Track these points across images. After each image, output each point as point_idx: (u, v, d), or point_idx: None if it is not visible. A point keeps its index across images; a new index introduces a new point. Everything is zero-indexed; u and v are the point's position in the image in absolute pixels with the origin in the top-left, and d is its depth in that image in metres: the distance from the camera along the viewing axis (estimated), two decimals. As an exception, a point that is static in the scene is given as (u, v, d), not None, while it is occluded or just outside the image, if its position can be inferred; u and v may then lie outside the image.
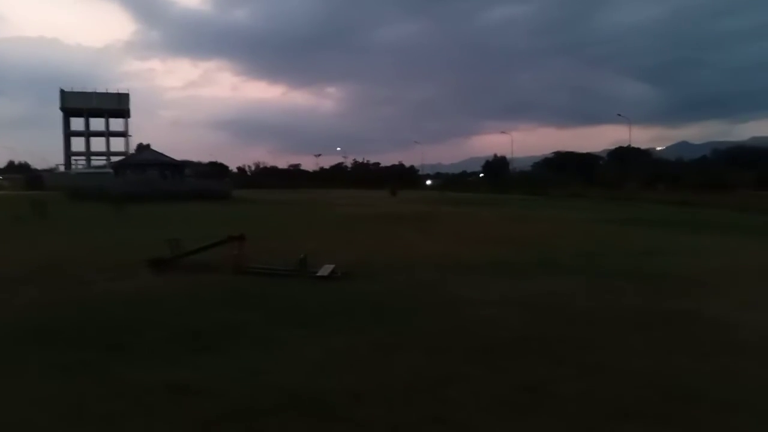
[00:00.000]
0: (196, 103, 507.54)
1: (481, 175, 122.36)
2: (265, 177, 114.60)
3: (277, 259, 11.44)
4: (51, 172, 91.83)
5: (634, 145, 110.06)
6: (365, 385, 4.88)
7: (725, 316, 7.56)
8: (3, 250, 14.15)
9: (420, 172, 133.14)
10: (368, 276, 10.36)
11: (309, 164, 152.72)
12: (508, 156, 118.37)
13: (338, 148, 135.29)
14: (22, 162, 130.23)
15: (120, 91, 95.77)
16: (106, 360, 5.55)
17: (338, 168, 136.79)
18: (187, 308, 7.87)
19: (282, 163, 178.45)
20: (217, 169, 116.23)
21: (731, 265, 12.28)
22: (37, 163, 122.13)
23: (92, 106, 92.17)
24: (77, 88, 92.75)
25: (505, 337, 6.47)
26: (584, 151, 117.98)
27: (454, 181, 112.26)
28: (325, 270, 10.23)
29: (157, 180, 50.78)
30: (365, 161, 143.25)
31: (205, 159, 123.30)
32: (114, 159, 78.53)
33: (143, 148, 65.44)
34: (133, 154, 70.45)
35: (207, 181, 60.78)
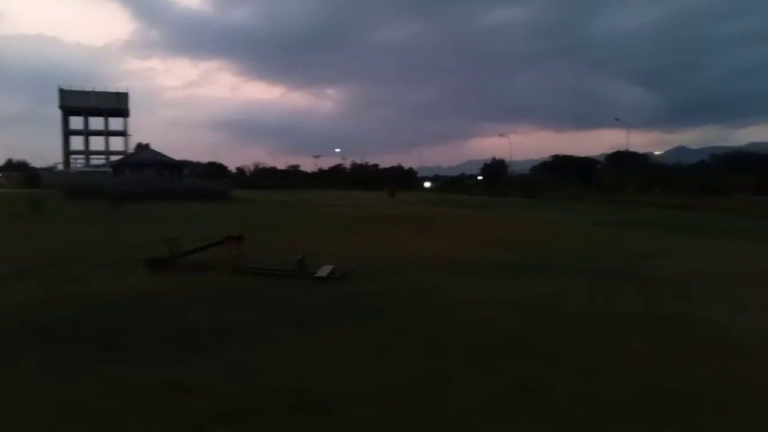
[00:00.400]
0: (195, 103, 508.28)
1: (480, 177, 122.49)
2: (264, 177, 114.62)
3: (275, 259, 11.43)
4: (49, 170, 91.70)
5: (632, 149, 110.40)
6: (362, 386, 4.88)
7: (722, 319, 7.58)
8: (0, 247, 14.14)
9: (419, 174, 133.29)
10: (366, 277, 10.36)
11: (308, 165, 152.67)
12: (507, 159, 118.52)
13: (337, 150, 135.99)
14: (21, 160, 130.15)
15: (119, 90, 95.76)
16: (103, 359, 5.54)
17: (337, 169, 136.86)
18: (185, 308, 7.86)
19: (281, 163, 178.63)
20: (215, 169, 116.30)
21: (728, 268, 12.30)
22: (36, 162, 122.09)
23: (91, 104, 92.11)
24: (76, 87, 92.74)
25: (502, 338, 6.48)
26: (582, 154, 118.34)
27: (452, 183, 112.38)
28: (324, 271, 10.23)
29: (155, 179, 50.76)
30: (364, 162, 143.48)
31: (204, 159, 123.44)
32: (113, 158, 78.46)
33: (142, 148, 65.41)
34: (132, 153, 70.42)
35: (206, 181, 60.83)
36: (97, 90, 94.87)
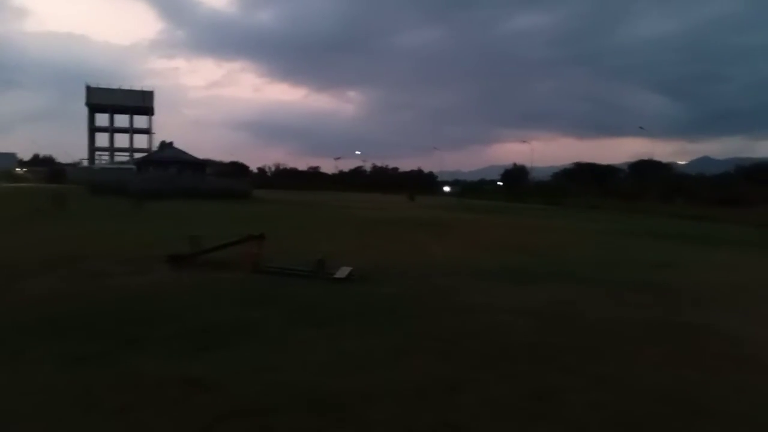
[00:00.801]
0: (218, 102, 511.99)
1: (500, 183, 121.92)
2: (284, 178, 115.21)
3: (294, 259, 11.54)
4: (74, 166, 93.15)
5: (656, 158, 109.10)
6: (377, 387, 4.91)
7: (738, 330, 7.52)
8: (23, 241, 14.44)
9: (438, 179, 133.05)
10: (384, 279, 10.42)
11: (328, 167, 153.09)
12: (528, 165, 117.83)
13: (357, 152, 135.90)
14: (47, 155, 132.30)
15: (145, 89, 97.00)
16: (121, 353, 5.65)
17: (357, 171, 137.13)
18: (204, 305, 7.97)
19: (302, 165, 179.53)
20: (237, 168, 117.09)
21: (746, 280, 12.17)
22: (61, 157, 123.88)
23: (117, 102, 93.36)
24: (103, 85, 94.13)
25: (517, 344, 6.48)
26: (604, 162, 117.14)
27: (472, 189, 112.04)
28: (342, 272, 10.32)
29: (178, 177, 51.29)
30: (384, 166, 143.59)
31: (226, 158, 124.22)
32: (137, 155, 79.44)
33: (166, 146, 66.04)
34: (155, 151, 71.20)
35: (227, 180, 61.25)
36: (123, 88, 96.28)
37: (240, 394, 4.67)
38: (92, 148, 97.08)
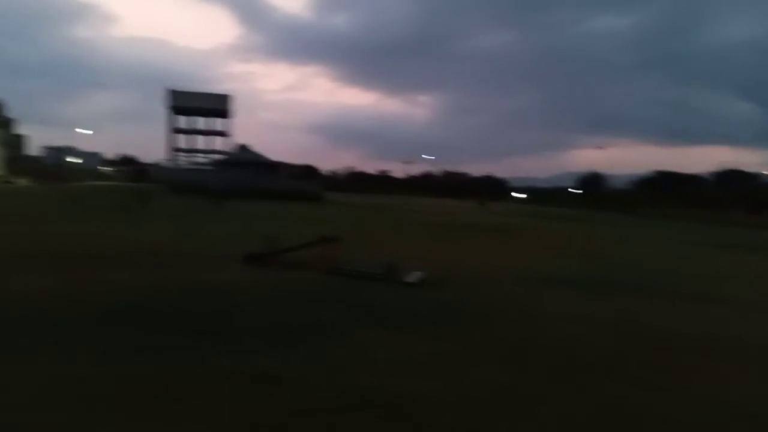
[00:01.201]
0: (292, 106, 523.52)
1: (575, 190, 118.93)
2: (354, 181, 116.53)
3: (365, 262, 11.62)
4: (156, 165, 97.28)
5: (742, 167, 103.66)
6: (447, 394, 4.88)
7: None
8: (108, 235, 15.17)
9: (510, 184, 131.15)
10: (454, 285, 10.35)
11: (398, 171, 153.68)
12: (604, 172, 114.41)
13: (427, 156, 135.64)
14: (130, 155, 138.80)
15: (223, 92, 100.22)
16: (197, 345, 5.84)
17: (427, 176, 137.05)
18: (278, 303, 8.14)
19: (371, 168, 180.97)
20: (309, 171, 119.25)
21: None
22: (144, 157, 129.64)
23: (196, 105, 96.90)
24: (183, 88, 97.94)
25: (589, 357, 6.30)
26: (687, 171, 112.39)
27: (545, 195, 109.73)
28: (413, 276, 10.31)
29: (253, 178, 52.69)
30: (454, 171, 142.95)
31: (298, 161, 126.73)
32: (214, 156, 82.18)
33: (242, 148, 68.04)
34: (232, 152, 73.43)
35: (300, 182, 62.48)
36: (202, 91, 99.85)
37: (309, 392, 4.74)
38: (172, 149, 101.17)
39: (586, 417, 4.56)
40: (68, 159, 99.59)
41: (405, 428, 4.17)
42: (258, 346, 5.96)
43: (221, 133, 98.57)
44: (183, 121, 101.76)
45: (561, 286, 11.00)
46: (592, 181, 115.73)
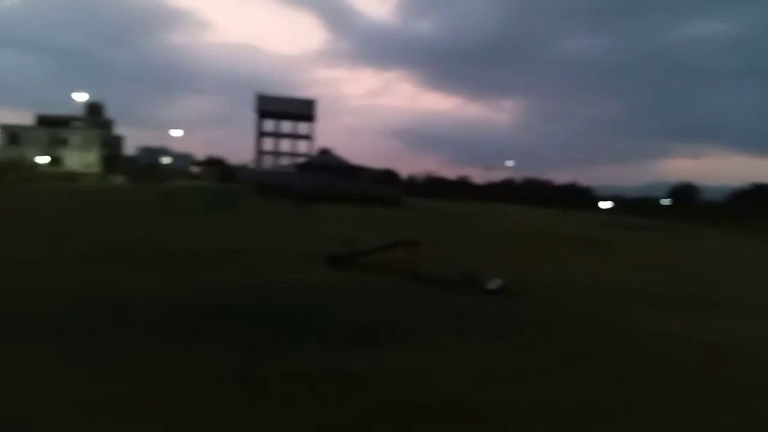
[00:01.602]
0: (375, 111, 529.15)
1: (665, 201, 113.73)
2: (434, 186, 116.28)
3: (445, 267, 11.54)
4: (242, 167, 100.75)
5: None
6: (524, 405, 4.79)
7: None
8: (198, 234, 15.78)
9: (595, 193, 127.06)
10: (535, 294, 10.13)
11: (478, 177, 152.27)
12: (698, 183, 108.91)
13: (509, 163, 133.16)
14: (219, 156, 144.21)
15: (308, 97, 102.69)
16: (281, 343, 6.01)
17: (507, 183, 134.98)
18: (358, 305, 8.25)
19: (451, 174, 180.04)
20: (389, 175, 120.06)
21: None
22: (231, 159, 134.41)
23: (282, 109, 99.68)
24: (270, 92, 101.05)
25: (674, 374, 6.06)
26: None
27: (633, 205, 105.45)
28: (494, 284, 10.15)
29: (335, 182, 53.59)
30: (537, 178, 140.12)
31: (379, 165, 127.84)
32: (298, 160, 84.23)
33: (324, 152, 69.65)
34: (315, 156, 75.10)
35: (380, 187, 62.98)
36: (288, 96, 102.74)
37: (391, 394, 4.77)
38: (258, 151, 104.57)
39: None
40: (161, 159, 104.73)
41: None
42: (339, 346, 6.06)
43: (305, 137, 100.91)
44: (269, 125, 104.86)
45: (648, 300, 10.58)
46: (683, 192, 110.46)
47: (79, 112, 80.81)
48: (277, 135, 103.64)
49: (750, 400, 5.40)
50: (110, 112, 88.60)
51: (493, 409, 4.62)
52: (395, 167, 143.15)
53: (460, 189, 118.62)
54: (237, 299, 7.97)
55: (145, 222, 18.49)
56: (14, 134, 73.13)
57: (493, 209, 60.14)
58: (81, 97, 77.66)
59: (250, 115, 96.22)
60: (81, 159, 70.66)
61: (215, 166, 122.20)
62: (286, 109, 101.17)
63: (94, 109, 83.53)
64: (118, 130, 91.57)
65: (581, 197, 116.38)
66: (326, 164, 61.67)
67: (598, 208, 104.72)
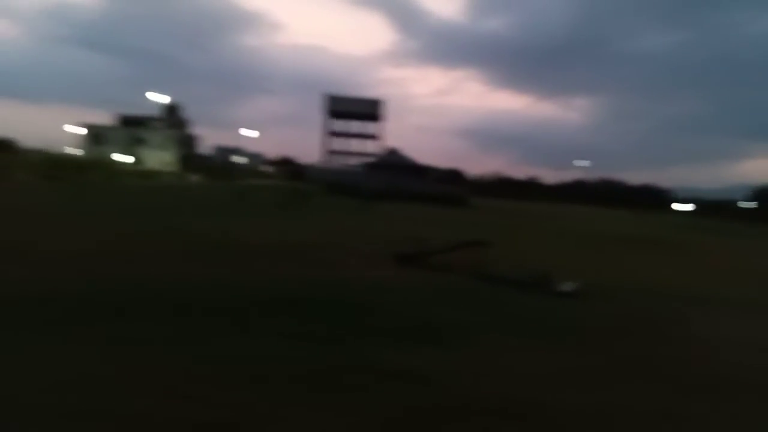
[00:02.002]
0: (442, 110, 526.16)
1: (749, 203, 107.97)
2: (501, 187, 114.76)
3: (514, 269, 11.40)
4: (311, 166, 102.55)
5: None
6: (590, 409, 4.67)
7: None
8: (271, 230, 16.19)
9: (673, 195, 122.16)
10: (609, 298, 9.87)
11: (548, 177, 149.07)
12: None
13: (581, 163, 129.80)
14: (288, 156, 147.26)
15: (376, 97, 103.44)
16: (346, 338, 6.10)
17: (579, 183, 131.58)
18: (425, 303, 8.28)
19: (520, 174, 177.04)
20: (456, 175, 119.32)
21: None
22: (301, 158, 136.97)
23: (350, 109, 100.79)
24: (339, 93, 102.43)
25: (750, 385, 5.76)
26: None
27: (713, 208, 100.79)
28: (565, 286, 9.95)
29: (401, 181, 53.77)
30: (610, 178, 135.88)
31: (446, 164, 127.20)
32: (366, 159, 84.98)
33: (391, 151, 69.93)
34: (382, 155, 75.54)
35: (446, 186, 62.76)
36: (356, 96, 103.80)
37: (455, 393, 4.77)
38: (326, 151, 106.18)
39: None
40: (234, 158, 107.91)
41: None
42: (406, 344, 6.10)
43: (373, 137, 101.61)
44: (337, 125, 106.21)
45: (729, 306, 10.11)
46: (767, 195, 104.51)
47: (158, 112, 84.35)
48: (345, 135, 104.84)
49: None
50: (186, 112, 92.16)
51: (558, 412, 4.55)
52: (462, 167, 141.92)
53: (529, 189, 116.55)
54: (306, 293, 8.16)
55: (221, 218, 19.13)
56: (98, 134, 77.16)
57: (564, 210, 58.84)
58: (159, 97, 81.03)
59: (318, 115, 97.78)
60: (159, 158, 73.79)
61: (285, 165, 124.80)
62: (353, 109, 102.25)
63: (171, 109, 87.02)
64: (194, 129, 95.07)
65: (657, 199, 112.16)
66: (393, 163, 61.93)
67: (676, 210, 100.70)
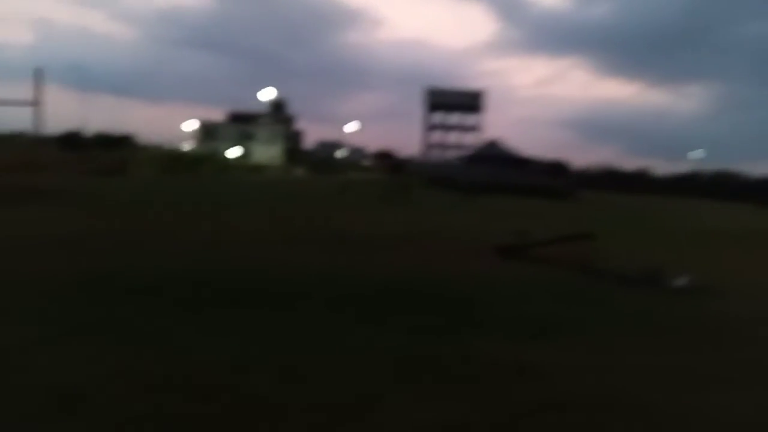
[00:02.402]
0: (546, 100, 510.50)
1: None
2: (609, 179, 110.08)
3: (623, 263, 11.01)
4: (411, 159, 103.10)
5: None
6: (698, 411, 4.47)
7: None
8: (373, 223, 16.54)
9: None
10: (726, 296, 9.31)
11: (659, 169, 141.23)
12: None
13: (696, 154, 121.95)
14: (389, 149, 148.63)
15: (477, 89, 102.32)
16: (455, 330, 6.19)
17: (694, 175, 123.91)
18: (530, 296, 8.22)
19: (629, 165, 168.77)
20: (559, 167, 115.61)
21: None
22: (401, 151, 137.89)
23: (450, 101, 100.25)
24: (439, 85, 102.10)
25: None
26: None
27: None
28: (681, 281, 9.49)
29: (502, 174, 52.84)
30: (728, 170, 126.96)
31: (549, 156, 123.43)
32: (466, 151, 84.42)
33: (492, 143, 68.92)
34: (482, 147, 74.72)
35: (549, 179, 61.10)
36: (456, 88, 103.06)
37: (560, 387, 4.74)
38: (426, 144, 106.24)
39: None
40: (337, 152, 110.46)
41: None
42: (509, 336, 6.13)
43: (473, 129, 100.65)
44: (437, 117, 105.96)
45: None
46: None
47: (265, 108, 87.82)
48: (445, 127, 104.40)
49: None
50: (291, 108, 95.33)
51: (661, 410, 4.43)
52: (567, 158, 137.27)
53: (638, 182, 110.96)
54: (409, 284, 8.34)
55: (324, 210, 19.76)
56: (210, 130, 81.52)
57: (677, 204, 55.68)
58: (267, 94, 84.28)
59: (418, 109, 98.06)
60: (266, 152, 76.97)
61: (386, 158, 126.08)
62: (454, 101, 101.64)
63: (278, 105, 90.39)
64: (298, 125, 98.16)
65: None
66: (493, 156, 60.97)
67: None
